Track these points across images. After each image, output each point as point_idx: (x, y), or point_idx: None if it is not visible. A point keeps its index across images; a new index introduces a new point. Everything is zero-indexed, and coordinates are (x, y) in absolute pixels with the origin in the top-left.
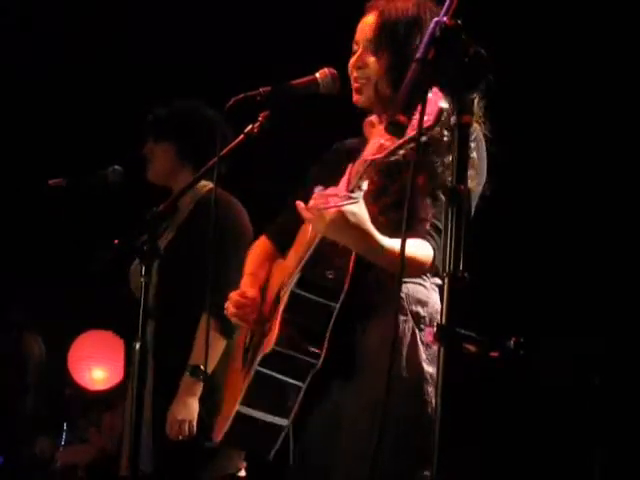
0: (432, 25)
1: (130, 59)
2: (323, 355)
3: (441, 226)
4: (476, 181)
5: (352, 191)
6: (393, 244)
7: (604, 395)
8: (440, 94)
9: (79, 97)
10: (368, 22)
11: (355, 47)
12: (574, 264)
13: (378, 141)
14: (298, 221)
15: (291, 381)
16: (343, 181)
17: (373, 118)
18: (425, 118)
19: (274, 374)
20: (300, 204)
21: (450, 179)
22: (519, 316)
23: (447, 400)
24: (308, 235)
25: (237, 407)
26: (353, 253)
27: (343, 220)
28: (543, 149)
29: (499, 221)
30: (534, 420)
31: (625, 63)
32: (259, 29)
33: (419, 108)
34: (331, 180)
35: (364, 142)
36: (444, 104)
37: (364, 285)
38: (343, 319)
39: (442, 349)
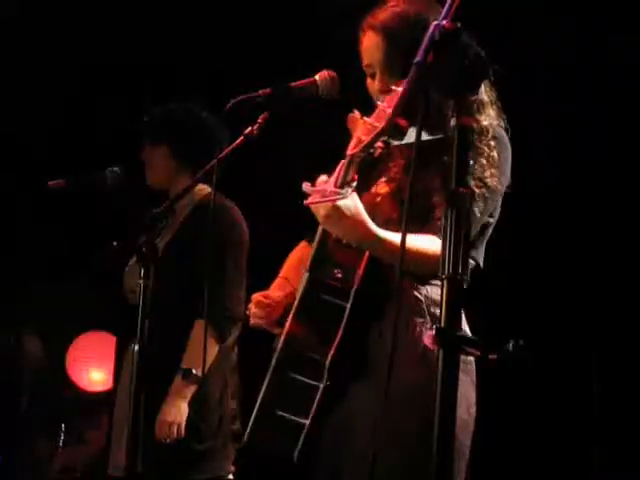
0: (431, 28)
1: (130, 59)
2: (331, 355)
3: None
4: (497, 179)
5: (341, 187)
6: (395, 237)
7: (603, 396)
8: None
9: (79, 97)
10: (373, 43)
11: (370, 70)
12: (575, 266)
13: (357, 135)
14: None
15: (306, 381)
16: (332, 177)
17: (355, 114)
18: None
19: (289, 374)
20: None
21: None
22: (519, 318)
23: (447, 404)
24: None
25: (256, 406)
26: (366, 252)
27: (336, 213)
28: (544, 147)
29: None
30: (533, 420)
31: (626, 63)
32: (259, 30)
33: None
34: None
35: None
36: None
37: (378, 286)
38: (357, 320)
39: (441, 352)
